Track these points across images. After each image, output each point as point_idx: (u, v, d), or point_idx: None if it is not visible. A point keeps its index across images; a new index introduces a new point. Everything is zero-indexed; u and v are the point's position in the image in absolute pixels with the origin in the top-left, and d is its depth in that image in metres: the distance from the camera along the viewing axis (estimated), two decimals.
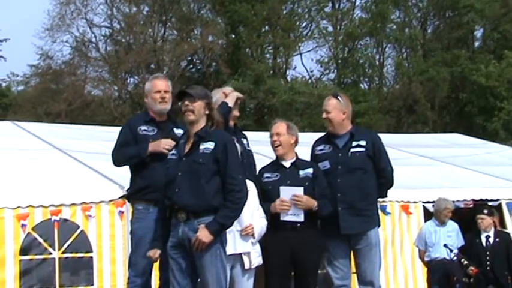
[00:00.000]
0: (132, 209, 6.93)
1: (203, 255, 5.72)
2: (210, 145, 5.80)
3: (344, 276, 6.93)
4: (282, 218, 6.74)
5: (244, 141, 7.02)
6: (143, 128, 6.71)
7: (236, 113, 7.17)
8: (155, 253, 6.08)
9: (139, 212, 6.66)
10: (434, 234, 10.79)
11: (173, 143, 6.41)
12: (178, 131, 6.72)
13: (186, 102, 5.89)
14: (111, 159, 6.85)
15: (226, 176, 5.74)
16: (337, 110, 6.96)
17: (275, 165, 7.00)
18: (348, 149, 6.92)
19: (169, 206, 5.90)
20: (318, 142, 7.16)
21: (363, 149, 6.91)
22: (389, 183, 7.11)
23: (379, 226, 7.10)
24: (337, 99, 7.03)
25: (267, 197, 6.80)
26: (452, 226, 10.90)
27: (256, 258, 6.76)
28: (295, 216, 6.76)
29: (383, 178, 7.01)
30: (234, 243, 6.62)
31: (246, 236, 6.70)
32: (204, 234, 5.66)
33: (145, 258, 6.47)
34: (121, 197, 10.31)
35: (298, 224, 6.75)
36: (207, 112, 5.92)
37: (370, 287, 6.92)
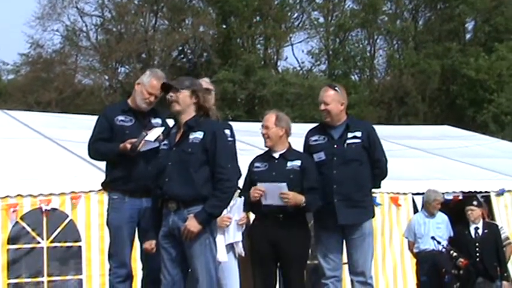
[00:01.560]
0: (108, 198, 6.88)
1: (192, 244, 5.71)
2: (199, 134, 5.79)
3: (335, 267, 6.92)
4: (263, 203, 6.72)
5: (228, 131, 6.91)
6: (120, 118, 6.60)
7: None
8: (151, 244, 6.06)
9: (114, 201, 6.60)
10: (423, 225, 10.83)
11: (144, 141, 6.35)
12: (156, 121, 6.65)
13: (171, 94, 5.88)
14: (87, 149, 6.78)
15: (215, 165, 5.72)
16: (335, 101, 6.90)
17: (266, 156, 6.99)
18: (343, 141, 6.88)
19: (160, 195, 5.89)
20: (311, 132, 7.10)
21: (358, 141, 6.88)
22: (384, 174, 7.10)
23: (373, 217, 7.09)
24: (335, 90, 6.97)
25: (253, 186, 6.80)
26: (442, 218, 10.93)
27: (241, 248, 6.83)
28: (279, 203, 6.69)
29: (377, 169, 6.99)
30: (233, 232, 6.67)
31: (239, 226, 6.77)
32: (192, 224, 5.66)
33: (124, 249, 6.46)
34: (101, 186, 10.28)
35: (281, 215, 6.72)
36: (194, 101, 5.89)
37: (361, 277, 6.90)
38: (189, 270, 5.88)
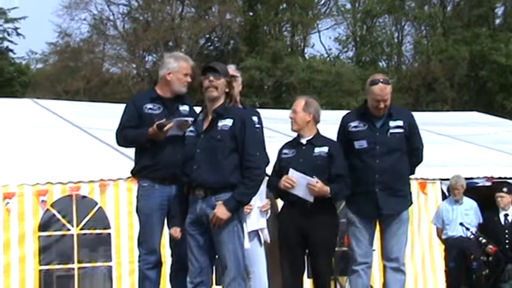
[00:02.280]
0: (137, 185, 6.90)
1: (221, 231, 5.73)
2: (229, 122, 5.78)
3: (367, 253, 6.89)
4: (290, 191, 6.73)
5: (255, 118, 6.91)
6: (149, 106, 6.61)
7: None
8: (176, 231, 6.08)
9: (144, 189, 6.61)
10: (451, 212, 10.81)
11: (171, 124, 6.36)
12: (184, 108, 6.66)
13: (211, 78, 5.85)
14: (116, 137, 6.80)
15: (244, 153, 5.72)
16: (390, 94, 6.81)
17: (294, 142, 6.98)
18: (386, 129, 6.80)
19: (187, 182, 5.90)
20: (351, 117, 7.00)
21: (402, 130, 6.81)
22: (420, 161, 7.09)
23: (411, 204, 7.06)
24: (389, 83, 6.85)
25: (282, 173, 6.80)
26: (470, 204, 10.89)
27: (267, 234, 6.84)
28: (306, 196, 6.71)
29: (415, 157, 6.97)
30: (257, 219, 6.68)
31: (263, 212, 6.78)
32: (221, 211, 5.67)
33: (154, 236, 6.48)
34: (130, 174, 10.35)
35: (309, 204, 6.72)
36: (226, 90, 5.91)
37: (395, 264, 6.86)
38: (216, 257, 5.90)
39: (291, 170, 6.71)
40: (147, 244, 6.56)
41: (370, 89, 6.79)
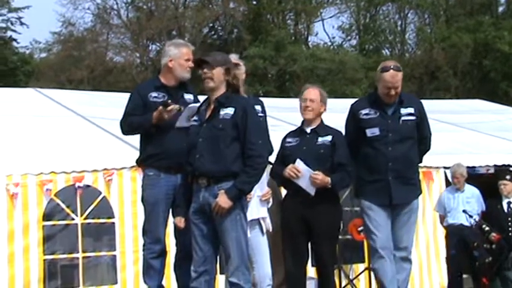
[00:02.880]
0: (142, 175, 6.91)
1: (223, 220, 5.75)
2: (230, 111, 5.80)
3: (388, 237, 6.80)
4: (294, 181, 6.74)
5: (258, 107, 6.93)
6: (153, 94, 6.62)
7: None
8: (180, 221, 6.09)
9: (149, 178, 6.62)
10: (453, 199, 10.83)
11: (176, 106, 6.39)
12: (189, 97, 6.68)
13: (205, 70, 5.87)
14: (120, 126, 6.80)
15: (246, 142, 5.73)
16: (401, 81, 6.79)
17: (298, 130, 6.99)
18: (398, 117, 6.77)
19: (191, 172, 5.92)
20: (361, 104, 6.96)
21: (413, 118, 6.78)
22: (427, 150, 7.09)
23: (421, 193, 7.05)
24: (400, 70, 6.80)
25: (285, 162, 6.81)
26: (472, 191, 10.90)
27: (269, 223, 6.84)
28: (308, 188, 6.73)
29: (423, 145, 6.96)
30: (257, 208, 6.67)
31: (264, 202, 6.78)
32: (223, 200, 5.68)
33: (159, 225, 6.50)
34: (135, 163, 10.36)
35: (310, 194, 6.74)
36: (226, 78, 5.91)
37: (404, 253, 6.82)
38: (220, 246, 5.92)
39: (298, 160, 6.72)
40: (152, 233, 6.58)
41: (381, 75, 6.75)
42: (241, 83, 6.79)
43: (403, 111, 6.78)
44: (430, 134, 7.05)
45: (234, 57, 7.02)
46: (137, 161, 6.89)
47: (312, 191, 6.67)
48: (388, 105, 6.80)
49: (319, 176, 6.63)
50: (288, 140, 6.96)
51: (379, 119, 6.79)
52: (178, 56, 6.71)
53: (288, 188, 6.91)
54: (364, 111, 6.86)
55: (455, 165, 10.99)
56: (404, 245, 6.83)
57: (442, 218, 11.04)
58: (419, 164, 7.16)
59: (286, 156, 6.86)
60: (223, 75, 5.90)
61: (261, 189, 6.66)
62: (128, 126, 6.76)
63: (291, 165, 6.73)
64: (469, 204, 10.72)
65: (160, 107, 6.40)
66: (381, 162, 6.75)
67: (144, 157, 6.71)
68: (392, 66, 6.76)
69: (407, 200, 6.79)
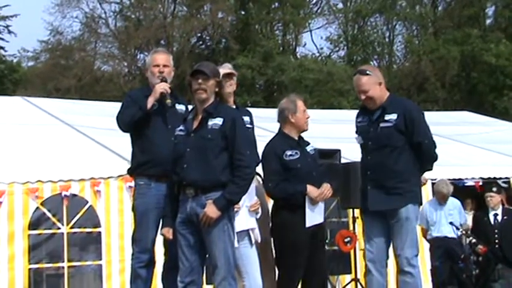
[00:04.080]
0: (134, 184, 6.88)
1: (211, 230, 5.73)
2: (219, 121, 5.78)
3: (379, 250, 6.70)
4: (309, 223, 6.74)
5: (247, 118, 6.91)
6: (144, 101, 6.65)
7: (227, 89, 7.05)
8: (168, 232, 6.05)
9: (140, 187, 6.60)
10: (435, 212, 10.87)
11: (167, 85, 6.42)
12: (180, 107, 6.67)
13: (200, 81, 5.83)
14: (117, 124, 6.68)
15: (234, 152, 5.72)
16: (372, 84, 6.57)
17: (294, 142, 6.92)
18: (377, 124, 6.60)
19: (178, 181, 5.90)
20: (360, 111, 6.86)
21: (390, 124, 6.53)
22: (430, 157, 6.72)
23: (416, 203, 6.72)
24: (367, 74, 6.62)
25: (294, 174, 6.74)
26: (454, 204, 10.95)
27: (258, 234, 6.81)
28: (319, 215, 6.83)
29: (421, 152, 6.61)
30: (245, 219, 6.64)
31: (252, 212, 6.75)
32: (211, 210, 5.67)
33: (148, 235, 6.47)
34: (127, 172, 10.33)
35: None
36: (216, 90, 5.91)
37: (402, 264, 6.62)
38: (207, 256, 5.90)
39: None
40: (141, 242, 6.54)
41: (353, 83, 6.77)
42: (231, 93, 6.83)
43: (386, 117, 6.59)
44: (429, 140, 6.67)
45: (228, 67, 7.03)
46: (128, 171, 6.86)
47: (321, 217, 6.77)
48: (375, 112, 6.65)
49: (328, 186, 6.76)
50: (289, 152, 6.84)
51: (365, 127, 6.70)
52: (149, 63, 6.78)
53: (291, 205, 6.81)
54: (358, 119, 6.80)
55: (443, 182, 10.98)
56: (398, 253, 6.70)
57: (425, 232, 11.05)
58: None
59: (293, 169, 6.78)
60: (215, 87, 5.89)
61: (249, 199, 6.63)
62: (123, 119, 6.59)
63: (326, 185, 6.79)
64: (451, 216, 10.78)
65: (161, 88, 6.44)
66: (362, 171, 6.72)
67: (135, 166, 6.69)
68: (358, 71, 6.72)
69: (383, 208, 6.60)
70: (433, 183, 12.01)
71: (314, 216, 6.76)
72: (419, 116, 6.69)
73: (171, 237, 6.02)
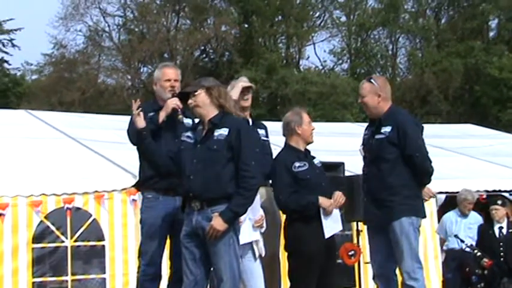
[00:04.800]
0: (142, 197, 6.87)
1: (217, 243, 5.70)
2: (224, 131, 5.76)
3: (381, 264, 6.74)
4: (328, 233, 6.74)
5: (262, 131, 6.96)
6: (152, 114, 6.63)
7: (244, 103, 7.10)
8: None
9: (148, 200, 6.60)
10: (455, 224, 10.86)
11: (179, 101, 6.39)
12: (187, 121, 6.67)
13: (189, 101, 5.89)
14: (128, 137, 6.65)
15: (240, 162, 5.69)
16: (371, 93, 6.71)
17: (301, 154, 6.93)
18: (373, 136, 6.72)
19: (183, 193, 5.88)
20: (368, 124, 7.03)
21: (383, 136, 6.61)
22: (423, 170, 6.70)
23: (413, 216, 6.67)
24: (370, 82, 6.78)
25: (305, 185, 6.74)
26: (476, 219, 10.94)
27: (262, 247, 6.78)
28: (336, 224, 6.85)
29: (412, 165, 6.62)
30: (248, 232, 6.62)
31: (257, 227, 6.74)
32: (218, 223, 5.64)
33: (156, 248, 6.46)
34: (134, 186, 10.31)
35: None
36: (212, 99, 5.85)
37: (403, 275, 6.64)
38: (211, 269, 5.87)
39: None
40: (147, 255, 6.54)
41: None
42: (248, 106, 7.05)
43: (382, 130, 6.67)
44: (421, 153, 6.66)
45: (244, 80, 7.11)
46: (136, 185, 6.86)
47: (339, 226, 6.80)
48: (376, 124, 6.76)
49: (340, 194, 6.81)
50: (297, 164, 6.83)
51: (367, 140, 6.83)
52: (159, 78, 6.77)
53: (305, 216, 6.79)
54: (365, 131, 6.94)
55: (465, 191, 11.01)
56: (400, 267, 6.69)
57: (443, 241, 11.04)
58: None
59: (304, 180, 6.77)
60: (207, 97, 5.86)
61: (253, 213, 6.60)
62: (132, 132, 6.60)
63: (339, 193, 6.80)
64: (470, 230, 10.73)
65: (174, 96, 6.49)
66: (363, 184, 6.80)
67: (142, 180, 6.68)
68: (367, 77, 6.93)
69: (377, 223, 6.66)
70: (447, 197, 11.98)
71: (331, 225, 6.76)
72: (413, 129, 6.72)
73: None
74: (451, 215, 11.06)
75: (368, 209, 6.70)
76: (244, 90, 7.06)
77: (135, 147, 6.56)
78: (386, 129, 6.63)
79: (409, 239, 6.65)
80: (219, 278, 5.75)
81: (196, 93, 5.85)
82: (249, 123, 7.05)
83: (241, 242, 6.33)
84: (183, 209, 5.91)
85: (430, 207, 12.04)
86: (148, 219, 6.54)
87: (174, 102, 6.46)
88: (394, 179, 6.61)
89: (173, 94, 6.53)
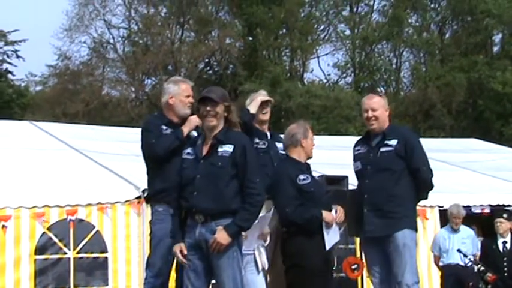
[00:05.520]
0: (151, 210, 6.85)
1: (220, 256, 5.70)
2: (229, 148, 5.75)
3: (381, 278, 6.75)
4: (329, 245, 6.72)
5: (279, 145, 6.99)
6: (164, 127, 6.65)
7: (262, 116, 7.14)
8: (180, 248, 5.87)
9: (159, 213, 6.60)
10: (448, 240, 10.83)
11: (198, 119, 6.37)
12: (193, 133, 6.67)
13: (208, 108, 5.79)
14: (153, 151, 6.62)
15: (245, 179, 5.69)
16: (382, 107, 6.75)
17: (303, 167, 6.91)
18: (378, 149, 6.73)
19: (187, 208, 5.87)
20: (357, 142, 7.03)
21: (391, 149, 6.66)
22: (427, 185, 6.80)
23: (413, 229, 6.76)
24: (380, 96, 6.82)
25: (309, 198, 6.73)
26: (467, 233, 10.91)
27: (266, 261, 6.77)
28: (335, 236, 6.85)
29: (418, 179, 6.71)
30: (252, 241, 6.62)
31: (260, 240, 6.75)
32: (222, 236, 5.64)
33: (164, 260, 6.45)
34: (137, 198, 10.32)
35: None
36: (225, 115, 5.88)
37: (399, 287, 6.63)
38: (213, 282, 5.85)
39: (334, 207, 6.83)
40: (154, 267, 6.54)
41: (361, 102, 6.88)
42: (266, 120, 7.10)
43: (386, 142, 6.72)
44: (427, 168, 6.78)
45: (263, 93, 7.14)
46: (146, 197, 6.86)
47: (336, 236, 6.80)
48: (375, 138, 6.78)
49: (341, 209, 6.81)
50: (302, 177, 6.78)
51: (364, 153, 6.83)
52: (178, 92, 6.72)
53: (307, 230, 6.76)
54: (357, 148, 6.94)
55: (455, 205, 10.98)
56: (398, 280, 6.67)
57: (438, 259, 11.02)
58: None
59: (308, 192, 6.74)
60: (224, 112, 5.86)
61: (260, 227, 6.62)
62: (162, 143, 6.58)
63: (340, 209, 6.79)
64: (464, 245, 10.72)
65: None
66: (359, 196, 6.76)
67: (153, 193, 6.70)
68: (371, 91, 6.94)
69: (380, 234, 6.64)
70: (441, 210, 11.99)
71: (331, 238, 6.75)
72: (418, 143, 6.84)
73: (185, 252, 5.89)
74: (443, 232, 11.08)
75: (369, 220, 6.68)
76: (263, 104, 7.10)
77: (143, 158, 6.60)
78: (392, 142, 6.69)
79: (411, 252, 6.70)
80: None
81: (219, 105, 5.82)
82: (267, 136, 7.21)
83: (245, 248, 6.38)
84: (184, 222, 5.90)
85: (434, 220, 12.06)
86: (158, 231, 6.55)
87: (198, 120, 6.46)
88: (400, 190, 6.68)
89: (192, 111, 6.52)
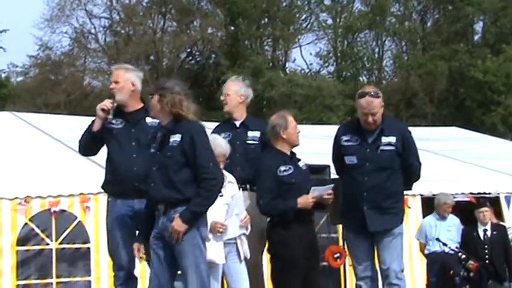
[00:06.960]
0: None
1: (181, 244, 5.72)
2: (177, 137, 5.80)
3: (367, 267, 6.79)
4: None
5: (253, 133, 7.17)
6: (113, 121, 6.64)
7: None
8: (137, 247, 6.01)
9: (109, 204, 6.65)
10: (434, 228, 10.88)
11: (109, 101, 6.53)
12: (151, 120, 6.48)
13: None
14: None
15: (197, 166, 5.73)
16: (381, 108, 6.73)
17: (287, 157, 6.91)
18: (377, 146, 6.68)
19: (149, 199, 5.94)
20: (344, 130, 6.92)
21: (393, 148, 6.66)
22: (416, 178, 6.91)
23: (402, 222, 6.91)
24: (379, 96, 6.74)
25: (288, 189, 6.76)
26: (453, 221, 10.97)
27: (247, 250, 6.79)
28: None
29: (410, 173, 6.80)
30: (235, 227, 6.64)
31: (243, 227, 6.76)
32: (177, 223, 5.68)
33: (120, 251, 6.43)
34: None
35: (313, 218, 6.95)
36: (163, 105, 5.85)
37: (389, 278, 6.69)
38: (178, 272, 5.87)
39: (313, 188, 6.84)
40: (115, 260, 6.55)
41: (359, 101, 6.72)
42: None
43: (384, 140, 6.68)
44: (419, 162, 6.86)
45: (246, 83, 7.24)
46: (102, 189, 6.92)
47: None
48: (369, 133, 6.72)
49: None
50: (283, 168, 6.80)
51: (358, 147, 6.72)
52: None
53: (284, 220, 6.79)
54: (345, 138, 6.81)
55: (443, 194, 11.06)
56: (385, 267, 6.72)
57: (423, 246, 11.08)
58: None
59: (288, 184, 6.77)
60: (157, 102, 5.89)
61: (239, 207, 6.66)
62: (80, 140, 6.73)
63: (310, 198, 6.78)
64: (450, 232, 10.79)
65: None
66: (356, 192, 6.70)
67: (103, 184, 6.76)
68: (369, 92, 6.73)
69: (385, 228, 6.72)
70: (426, 198, 12.03)
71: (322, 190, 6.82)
72: (412, 138, 6.87)
73: (141, 255, 5.96)
74: (429, 219, 11.11)
75: (371, 217, 6.67)
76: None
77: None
78: (392, 139, 6.69)
79: (401, 242, 6.89)
80: (186, 279, 5.75)
81: (154, 96, 5.91)
82: (236, 126, 7.28)
83: (228, 236, 6.51)
84: (152, 213, 5.93)
85: (416, 208, 12.12)
86: (107, 223, 6.60)
87: (101, 105, 6.49)
88: (397, 187, 6.80)
89: (110, 96, 6.59)
